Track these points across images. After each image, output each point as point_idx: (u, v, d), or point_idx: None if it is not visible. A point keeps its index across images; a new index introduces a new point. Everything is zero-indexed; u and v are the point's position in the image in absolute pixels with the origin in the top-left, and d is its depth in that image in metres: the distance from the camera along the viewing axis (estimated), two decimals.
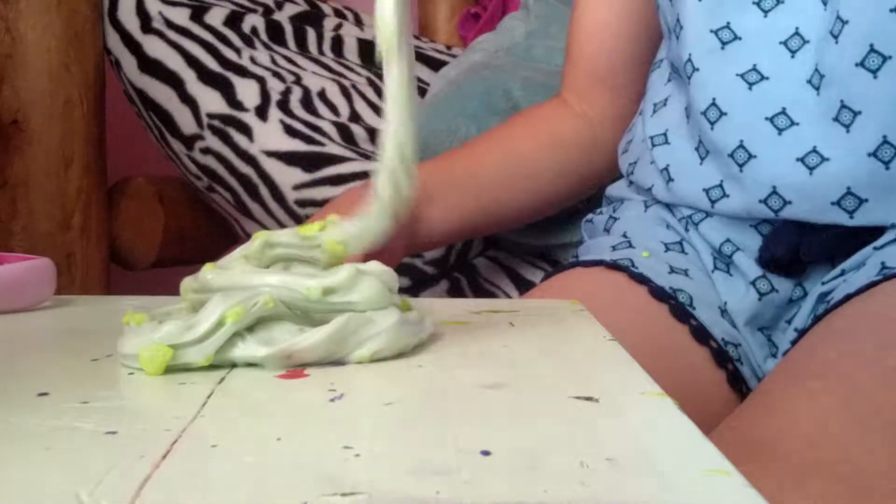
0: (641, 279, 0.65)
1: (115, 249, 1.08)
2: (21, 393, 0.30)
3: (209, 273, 0.36)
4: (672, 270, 0.67)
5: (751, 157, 0.63)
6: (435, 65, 1.16)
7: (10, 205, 0.98)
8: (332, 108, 1.03)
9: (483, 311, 0.45)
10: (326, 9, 1.20)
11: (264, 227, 1.03)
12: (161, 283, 1.21)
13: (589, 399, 0.29)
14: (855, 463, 0.44)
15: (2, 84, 0.96)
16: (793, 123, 0.62)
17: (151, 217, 1.08)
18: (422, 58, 1.17)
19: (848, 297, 0.58)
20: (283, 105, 1.00)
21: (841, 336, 0.55)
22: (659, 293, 0.65)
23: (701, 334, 0.64)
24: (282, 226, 1.01)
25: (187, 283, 0.37)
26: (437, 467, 0.23)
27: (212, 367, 0.33)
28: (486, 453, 0.24)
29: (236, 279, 0.35)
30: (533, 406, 0.29)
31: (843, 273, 0.62)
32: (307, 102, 1.02)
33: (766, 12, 0.64)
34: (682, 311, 0.64)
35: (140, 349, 0.33)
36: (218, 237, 1.15)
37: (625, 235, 0.72)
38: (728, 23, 0.65)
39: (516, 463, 0.23)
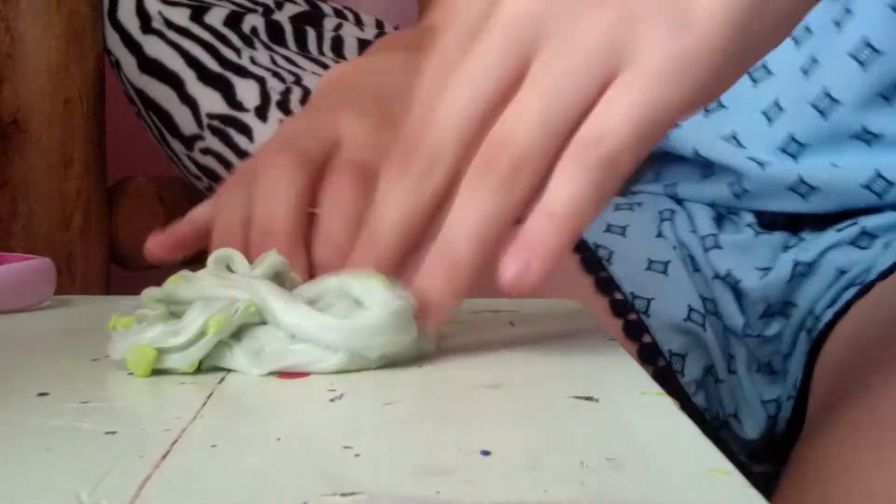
0: None
1: (115, 249, 1.08)
2: (21, 393, 0.30)
3: (173, 285, 0.35)
4: (608, 229, 0.67)
5: (745, 191, 0.65)
6: None
7: (10, 205, 0.98)
8: None
9: (483, 311, 0.45)
10: (326, 9, 1.20)
11: None
12: (161, 283, 1.21)
13: (589, 399, 0.29)
14: None
15: (2, 84, 0.96)
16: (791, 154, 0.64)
17: (151, 217, 1.08)
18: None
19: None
20: (284, 105, 1.00)
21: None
22: (577, 245, 0.66)
23: (605, 286, 0.64)
24: None
25: (149, 293, 0.36)
26: (437, 467, 0.23)
27: (212, 367, 0.33)
28: (486, 453, 0.24)
29: (207, 291, 0.35)
30: (533, 406, 0.29)
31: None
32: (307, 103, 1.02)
33: (755, 82, 0.66)
34: (592, 264, 0.65)
35: (126, 353, 0.33)
36: None
37: None
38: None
39: (516, 463, 0.23)
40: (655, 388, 0.31)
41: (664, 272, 0.65)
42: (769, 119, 0.64)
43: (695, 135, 0.67)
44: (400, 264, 0.35)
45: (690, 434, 0.26)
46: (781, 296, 0.63)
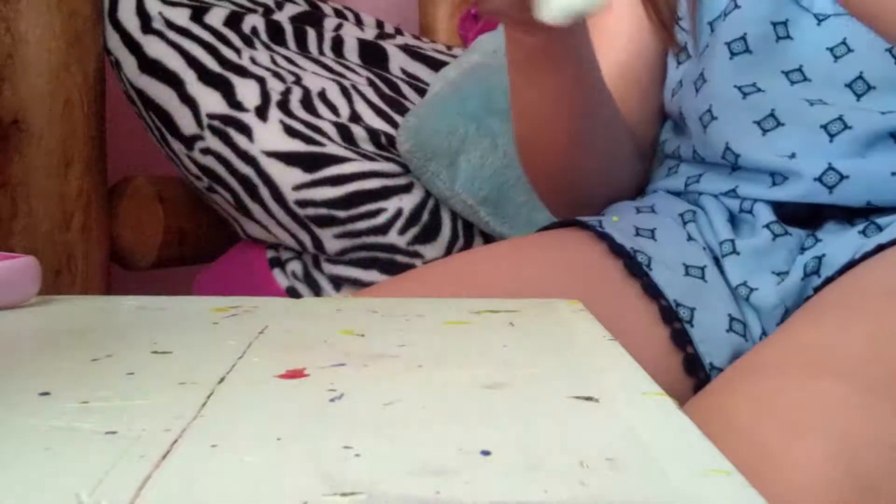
0: (603, 236, 0.67)
1: (115, 249, 1.08)
2: (21, 393, 0.30)
3: None
4: (637, 233, 0.67)
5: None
6: (435, 65, 1.16)
7: (10, 205, 0.98)
8: (333, 109, 1.03)
9: (483, 311, 0.45)
10: (327, 9, 1.20)
11: (265, 228, 1.03)
12: (161, 283, 1.21)
13: (589, 399, 0.29)
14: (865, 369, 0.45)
15: (2, 84, 0.96)
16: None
17: (151, 217, 1.08)
18: (422, 58, 1.17)
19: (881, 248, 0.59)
20: (284, 105, 1.00)
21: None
22: (617, 249, 0.66)
23: (652, 291, 0.64)
24: (282, 227, 1.01)
25: None
26: (437, 467, 0.23)
27: (211, 366, 0.33)
28: (486, 453, 0.24)
29: None
30: (533, 406, 0.29)
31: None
32: (307, 103, 1.02)
33: (792, 83, 0.67)
34: (635, 269, 0.65)
35: None
36: (218, 237, 1.15)
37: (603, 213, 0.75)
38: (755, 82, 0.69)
39: (516, 463, 0.23)
40: (655, 388, 0.31)
41: (702, 278, 0.65)
42: (811, 104, 0.65)
43: (730, 127, 0.68)
44: None
45: (690, 434, 0.26)
46: (798, 301, 0.63)
